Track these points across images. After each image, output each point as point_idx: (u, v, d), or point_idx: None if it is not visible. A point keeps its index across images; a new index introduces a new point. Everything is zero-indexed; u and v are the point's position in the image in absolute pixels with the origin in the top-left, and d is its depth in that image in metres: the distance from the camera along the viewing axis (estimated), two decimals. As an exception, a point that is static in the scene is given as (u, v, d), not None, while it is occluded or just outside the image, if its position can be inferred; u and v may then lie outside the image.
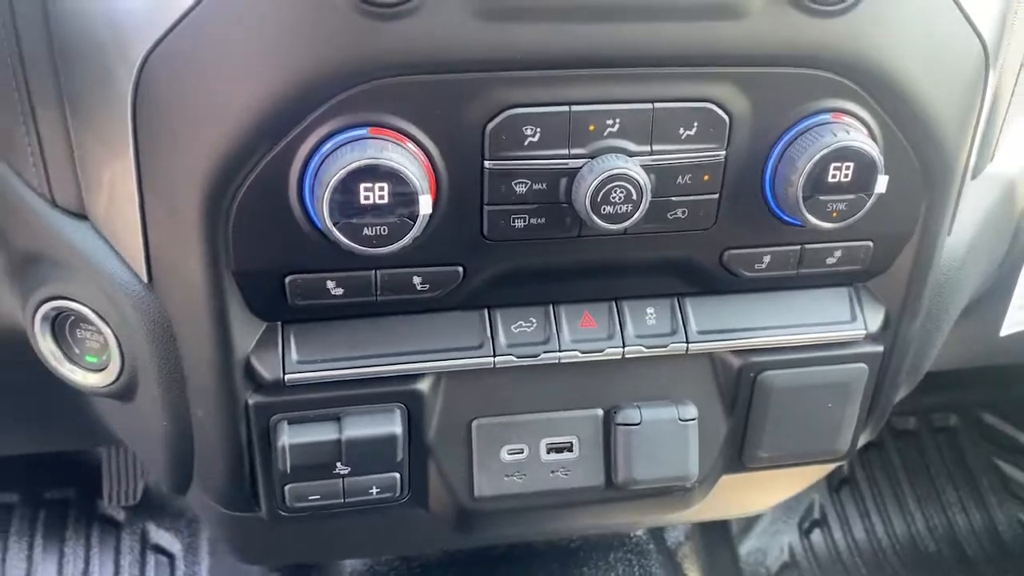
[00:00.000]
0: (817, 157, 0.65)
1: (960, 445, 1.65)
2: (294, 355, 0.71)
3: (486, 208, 0.66)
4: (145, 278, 0.69)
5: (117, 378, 0.74)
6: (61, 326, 0.74)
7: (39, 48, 0.63)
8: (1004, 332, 0.97)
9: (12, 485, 1.43)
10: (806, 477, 1.00)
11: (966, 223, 0.81)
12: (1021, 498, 1.58)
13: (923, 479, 1.61)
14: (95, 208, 0.69)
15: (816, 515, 1.58)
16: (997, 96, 0.78)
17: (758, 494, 1.02)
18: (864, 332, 0.80)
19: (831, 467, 0.96)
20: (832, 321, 0.79)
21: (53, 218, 0.70)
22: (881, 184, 0.67)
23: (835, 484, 1.60)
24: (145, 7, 0.59)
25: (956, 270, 0.82)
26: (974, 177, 0.81)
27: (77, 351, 0.75)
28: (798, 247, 0.74)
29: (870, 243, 0.75)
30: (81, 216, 0.70)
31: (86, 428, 0.92)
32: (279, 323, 0.72)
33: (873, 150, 0.66)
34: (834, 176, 0.66)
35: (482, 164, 0.64)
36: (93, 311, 0.72)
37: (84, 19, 0.61)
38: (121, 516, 1.43)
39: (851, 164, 0.66)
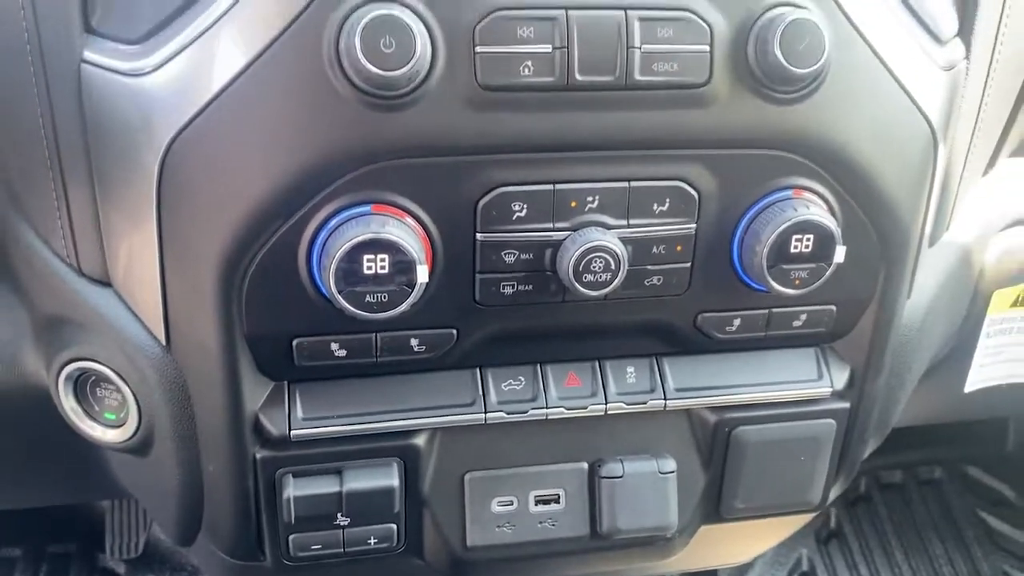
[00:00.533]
0: (780, 229, 0.71)
1: (946, 498, 1.68)
2: (299, 412, 0.77)
3: (478, 276, 0.72)
4: (163, 341, 0.74)
5: (134, 434, 0.79)
6: (83, 385, 0.80)
7: (73, 129, 0.70)
8: (968, 389, 1.02)
9: (15, 539, 1.46)
10: (783, 528, 1.04)
11: (924, 288, 0.87)
12: (1005, 550, 1.61)
13: (910, 531, 1.64)
14: (118, 276, 0.75)
15: (804, 568, 1.60)
16: (949, 170, 0.84)
17: (738, 544, 1.06)
18: (831, 390, 0.86)
19: (808, 518, 1.01)
20: (800, 379, 0.85)
21: (79, 285, 0.76)
22: (839, 254, 0.73)
23: (823, 537, 1.63)
24: (173, 95, 0.66)
25: (916, 331, 0.88)
26: (931, 245, 0.87)
27: (97, 408, 0.80)
28: (766, 311, 0.80)
29: (833, 307, 0.81)
30: (105, 283, 0.76)
31: (94, 481, 0.96)
32: (286, 382, 0.77)
33: (831, 223, 0.72)
34: (795, 247, 0.72)
35: (474, 236, 0.70)
36: (114, 371, 0.77)
37: (116, 104, 0.68)
38: (122, 569, 1.46)
39: (811, 236, 0.72)
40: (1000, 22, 0.82)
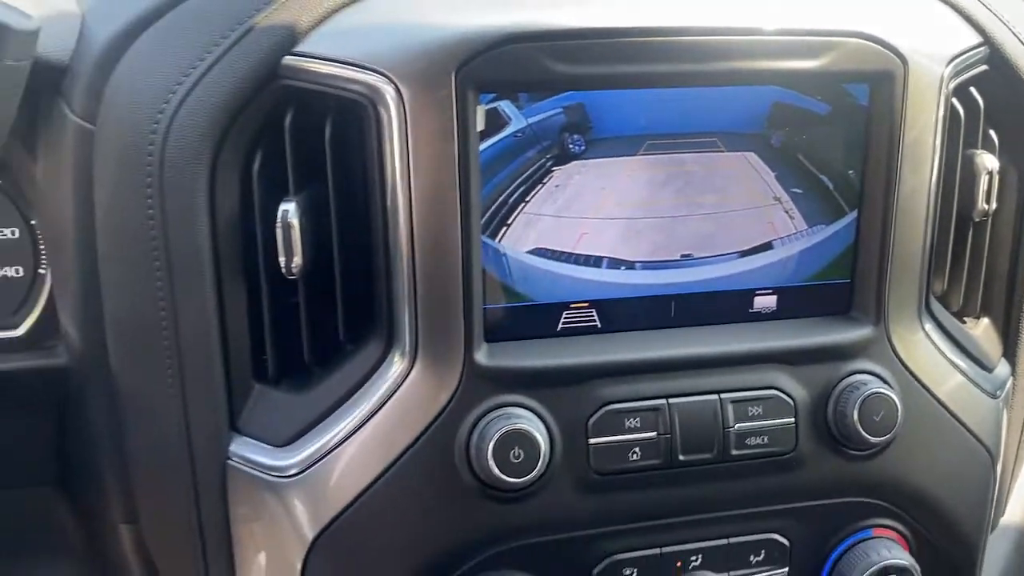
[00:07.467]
0: (866, 574, 0.78)
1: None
2: None
3: None
4: None
5: None
6: None
7: (216, 520, 0.74)
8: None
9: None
10: None
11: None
12: None
13: None
14: None
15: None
16: (1003, 468, 0.91)
17: None
18: None
19: None
20: None
21: None
22: None
23: None
24: (316, 499, 0.71)
25: None
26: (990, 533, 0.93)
27: None
28: None
29: None
30: None
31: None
32: None
33: (910, 563, 0.78)
34: None
35: None
36: None
37: (259, 501, 0.73)
38: None
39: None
40: None
